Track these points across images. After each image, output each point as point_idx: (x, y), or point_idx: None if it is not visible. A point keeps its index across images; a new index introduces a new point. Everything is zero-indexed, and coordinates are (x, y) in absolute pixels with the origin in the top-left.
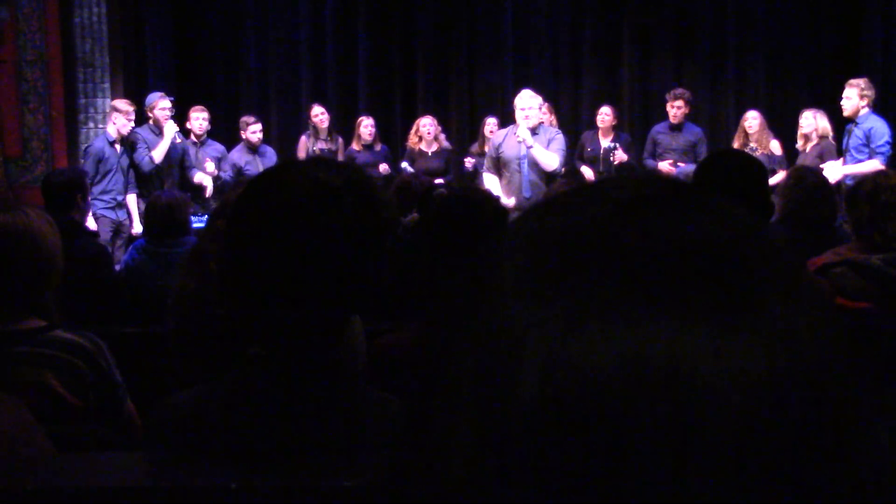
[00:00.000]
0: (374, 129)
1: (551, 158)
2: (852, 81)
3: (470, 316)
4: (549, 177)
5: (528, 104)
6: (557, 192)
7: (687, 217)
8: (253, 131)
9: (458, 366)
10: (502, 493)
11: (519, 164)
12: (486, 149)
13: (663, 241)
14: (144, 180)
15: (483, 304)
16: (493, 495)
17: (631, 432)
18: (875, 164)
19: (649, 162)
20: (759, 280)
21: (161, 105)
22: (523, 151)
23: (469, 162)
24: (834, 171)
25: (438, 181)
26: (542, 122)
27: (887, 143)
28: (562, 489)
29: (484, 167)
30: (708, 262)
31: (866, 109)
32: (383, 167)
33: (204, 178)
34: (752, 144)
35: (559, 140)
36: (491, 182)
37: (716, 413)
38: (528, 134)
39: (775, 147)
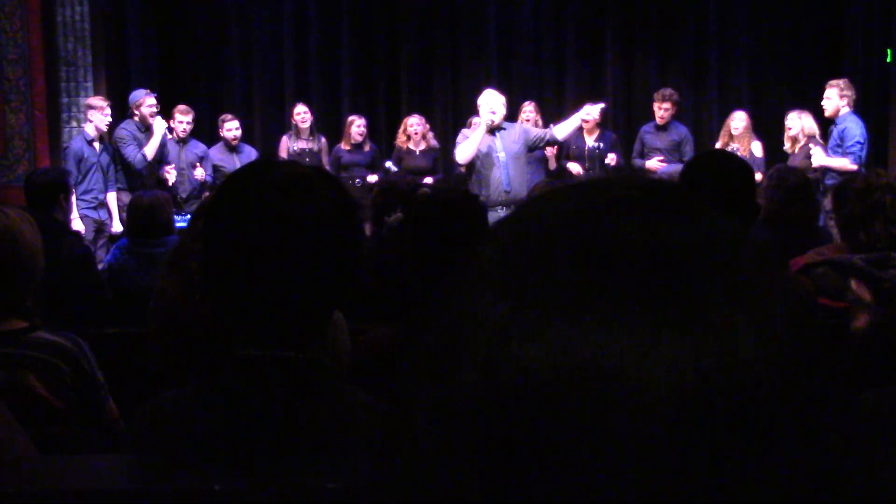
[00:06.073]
0: (365, 130)
1: (538, 131)
2: (832, 82)
3: (438, 307)
4: (530, 171)
5: (496, 100)
6: (542, 192)
7: (648, 219)
8: (229, 129)
9: (420, 354)
10: (449, 478)
11: (497, 158)
12: None
13: (614, 241)
14: (134, 175)
15: (450, 296)
16: (441, 480)
17: (558, 425)
18: (845, 163)
19: (637, 161)
20: (707, 283)
21: (148, 102)
22: (500, 153)
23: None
24: (817, 157)
25: (427, 180)
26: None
27: (857, 143)
28: (500, 477)
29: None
30: (654, 264)
31: (846, 109)
32: (371, 179)
33: (172, 175)
34: (735, 145)
35: (530, 128)
36: (465, 147)
37: (640, 410)
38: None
39: (756, 148)
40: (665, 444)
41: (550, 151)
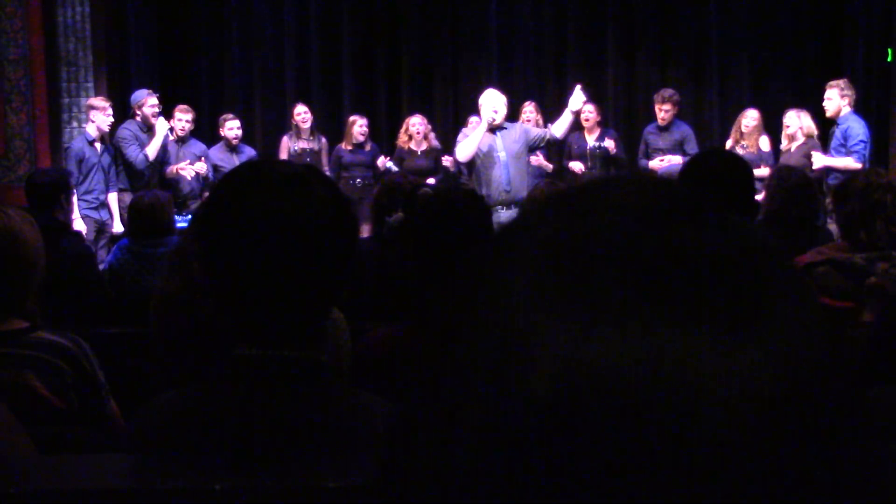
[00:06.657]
0: (367, 130)
1: (539, 130)
2: (832, 83)
3: (472, 319)
4: (531, 171)
5: (499, 100)
6: (554, 193)
7: (702, 230)
8: (230, 128)
9: (461, 368)
10: (509, 491)
11: (498, 157)
12: None
13: (679, 253)
14: (136, 176)
15: (488, 308)
16: (499, 493)
17: (638, 434)
18: (849, 162)
19: (643, 162)
20: (767, 294)
21: (150, 103)
22: (501, 152)
23: (450, 161)
24: (817, 159)
25: (429, 181)
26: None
27: (861, 142)
28: (571, 488)
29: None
30: (720, 275)
31: (848, 109)
32: (381, 161)
33: (188, 171)
34: (744, 142)
35: (530, 128)
36: (466, 145)
37: (719, 420)
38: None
39: (764, 143)
40: (745, 453)
41: (535, 160)
